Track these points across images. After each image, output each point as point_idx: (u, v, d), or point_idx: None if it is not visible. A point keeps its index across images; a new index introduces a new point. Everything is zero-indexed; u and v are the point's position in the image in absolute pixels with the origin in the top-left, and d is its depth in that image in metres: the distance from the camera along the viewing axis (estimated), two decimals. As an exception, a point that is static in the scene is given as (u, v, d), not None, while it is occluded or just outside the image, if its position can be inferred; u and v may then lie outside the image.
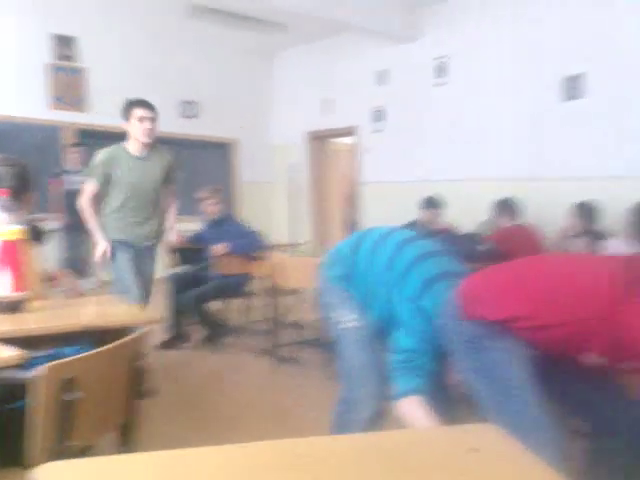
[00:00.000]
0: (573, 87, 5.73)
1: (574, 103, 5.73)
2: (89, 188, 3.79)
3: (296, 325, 4.81)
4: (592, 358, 1.71)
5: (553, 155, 5.87)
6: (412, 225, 5.34)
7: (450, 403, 2.17)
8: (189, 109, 8.53)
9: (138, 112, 3.77)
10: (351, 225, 8.00)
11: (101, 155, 3.80)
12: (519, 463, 1.19)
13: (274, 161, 9.38)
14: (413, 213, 5.55)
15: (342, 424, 2.31)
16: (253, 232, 5.02)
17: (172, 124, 8.25)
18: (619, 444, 1.81)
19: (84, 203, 3.81)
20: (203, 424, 3.29)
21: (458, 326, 1.86)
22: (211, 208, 5.08)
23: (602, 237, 4.43)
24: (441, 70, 6.92)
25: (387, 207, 7.22)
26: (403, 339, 2.03)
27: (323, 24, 7.07)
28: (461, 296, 1.88)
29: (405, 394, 1.94)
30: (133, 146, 3.83)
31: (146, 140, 3.80)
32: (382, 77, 7.62)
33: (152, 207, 3.94)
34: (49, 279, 2.60)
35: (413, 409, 1.92)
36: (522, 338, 1.77)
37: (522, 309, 1.76)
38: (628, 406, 1.86)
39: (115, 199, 3.83)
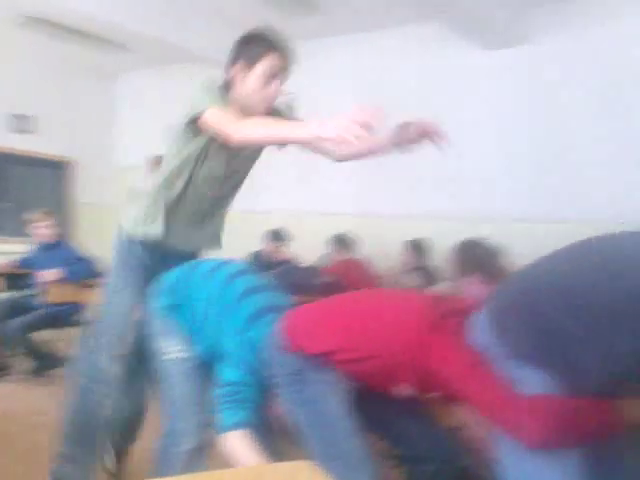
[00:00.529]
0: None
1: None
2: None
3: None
4: (403, 389, 1.80)
5: (391, 193, 6.16)
6: (255, 255, 5.38)
7: (275, 436, 2.18)
8: (22, 123, 7.96)
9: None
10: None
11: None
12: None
13: (117, 184, 9.01)
14: (255, 245, 5.58)
15: (165, 457, 2.25)
16: (87, 258, 4.78)
17: (2, 139, 7.71)
18: (432, 470, 1.91)
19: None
20: (25, 462, 3.04)
21: (282, 358, 1.89)
22: (42, 231, 4.79)
23: (433, 274, 4.72)
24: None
25: (233, 237, 7.14)
26: (229, 371, 2.02)
27: (169, 50, 6.93)
28: (285, 329, 1.92)
29: (230, 428, 1.92)
30: None
31: None
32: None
33: None
34: None
35: (237, 443, 1.90)
36: (341, 370, 1.84)
37: (336, 342, 1.83)
38: (438, 434, 1.98)
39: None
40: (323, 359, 1.83)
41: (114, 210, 8.79)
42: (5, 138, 7.71)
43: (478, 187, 5.58)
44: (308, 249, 5.74)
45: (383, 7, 5.69)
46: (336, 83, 6.64)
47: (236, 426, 1.91)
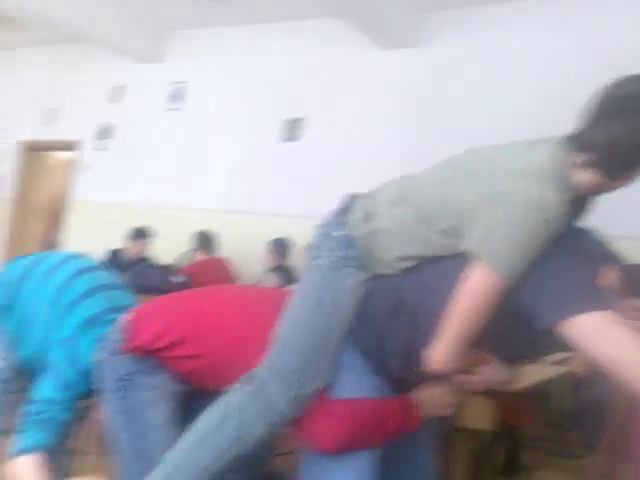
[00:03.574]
0: (291, 129, 6.02)
1: (291, 145, 6.02)
2: None
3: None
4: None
5: (261, 191, 6.11)
6: (114, 253, 5.18)
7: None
8: None
9: None
10: (51, 246, 7.49)
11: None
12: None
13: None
14: (123, 236, 5.37)
15: None
16: None
17: None
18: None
19: None
20: None
21: (113, 362, 1.80)
22: None
23: (292, 274, 4.74)
24: (178, 95, 6.86)
25: (98, 229, 6.90)
26: (43, 387, 1.88)
27: (59, 28, 6.56)
28: (125, 326, 1.83)
29: (24, 451, 1.79)
30: None
31: None
32: (115, 94, 7.32)
33: None
34: None
35: (27, 468, 1.77)
36: (174, 370, 1.78)
37: (183, 334, 1.76)
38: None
39: None
40: (157, 358, 1.77)
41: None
42: None
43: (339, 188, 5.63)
44: (173, 247, 5.61)
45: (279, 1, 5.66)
46: (224, 74, 6.55)
47: (31, 449, 1.79)
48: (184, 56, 6.89)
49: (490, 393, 2.16)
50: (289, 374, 1.58)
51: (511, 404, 2.70)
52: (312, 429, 1.61)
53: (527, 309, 1.43)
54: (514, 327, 1.48)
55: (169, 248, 5.55)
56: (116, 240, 5.47)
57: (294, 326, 1.63)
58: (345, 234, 1.64)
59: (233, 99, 6.46)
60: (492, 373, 1.59)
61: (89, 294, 2.01)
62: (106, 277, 2.18)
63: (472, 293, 1.44)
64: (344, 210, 1.70)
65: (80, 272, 2.10)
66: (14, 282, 2.10)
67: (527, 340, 1.51)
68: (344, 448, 1.57)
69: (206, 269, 4.66)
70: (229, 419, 1.61)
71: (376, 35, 5.50)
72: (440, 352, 1.48)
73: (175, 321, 1.81)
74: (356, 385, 1.63)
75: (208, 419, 1.64)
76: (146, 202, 6.79)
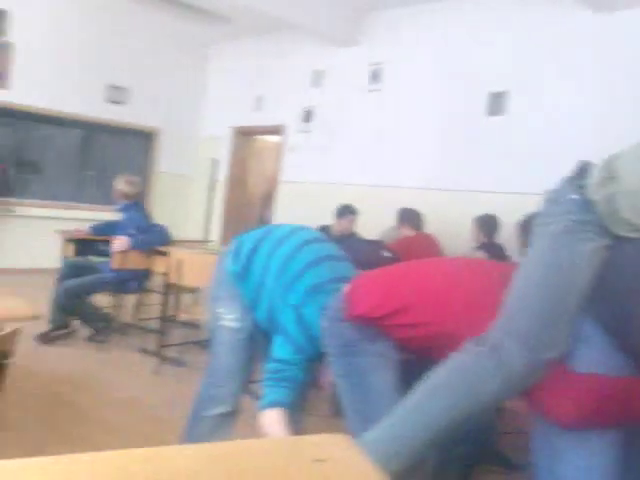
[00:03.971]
0: (495, 103, 5.85)
1: (494, 119, 5.85)
2: None
3: (190, 325, 4.72)
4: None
5: (467, 168, 6.00)
6: (323, 229, 5.39)
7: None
8: (116, 94, 8.30)
9: None
10: (265, 223, 7.98)
11: None
12: (363, 475, 1.20)
13: (197, 154, 9.26)
14: (328, 215, 5.59)
15: (195, 420, 2.32)
16: (159, 226, 4.90)
17: (96, 108, 8.04)
18: (461, 452, 1.88)
19: None
20: (73, 428, 3.16)
21: (337, 329, 1.88)
22: (119, 197, 4.93)
23: (500, 250, 4.60)
24: (376, 76, 6.95)
25: (304, 207, 7.26)
26: (279, 348, 2.02)
27: (264, 19, 7.02)
28: (345, 296, 1.90)
29: (268, 406, 1.94)
30: None
31: None
32: (317, 78, 7.61)
33: None
34: None
35: (272, 422, 1.92)
36: (397, 338, 1.82)
37: (408, 303, 1.79)
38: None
39: None
40: (380, 326, 1.81)
41: (189, 179, 9.13)
42: (100, 108, 8.03)
43: (546, 162, 5.35)
44: (375, 223, 5.72)
45: None
46: (426, 49, 6.50)
47: (274, 405, 1.93)
48: (382, 37, 6.94)
49: None
50: (523, 337, 1.54)
51: None
52: (552, 401, 1.55)
53: None
54: None
55: (373, 225, 5.67)
56: (322, 218, 5.69)
57: (528, 291, 1.59)
58: (580, 198, 1.56)
59: (433, 75, 6.39)
60: None
61: (314, 263, 2.11)
62: (329, 248, 2.27)
63: None
64: (578, 175, 1.62)
65: (306, 243, 2.20)
66: (247, 252, 2.26)
67: None
68: (584, 424, 1.51)
69: (414, 245, 4.68)
70: (461, 375, 1.60)
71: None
72: None
73: (397, 290, 1.85)
74: (597, 361, 1.53)
75: (439, 375, 1.64)
76: (349, 180, 7.00)
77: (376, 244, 4.27)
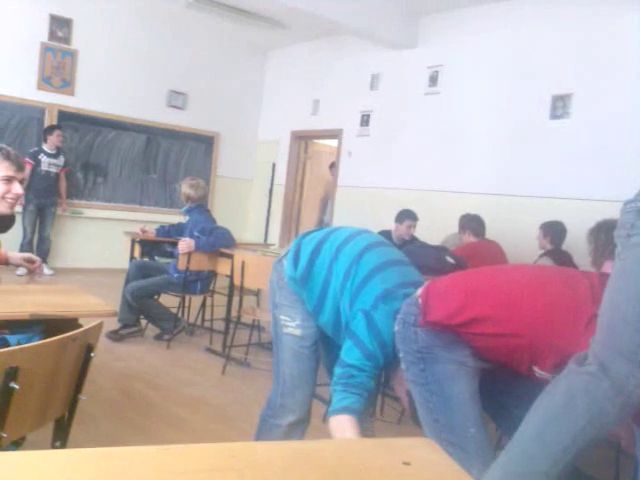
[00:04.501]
0: (558, 107, 5.75)
1: (558, 123, 5.75)
2: None
3: (253, 326, 4.78)
4: (536, 372, 1.71)
5: (530, 173, 5.90)
6: (384, 234, 5.37)
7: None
8: (176, 99, 8.50)
9: None
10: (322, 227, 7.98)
11: None
12: (450, 478, 1.20)
13: (256, 158, 9.38)
14: (386, 219, 5.58)
15: (265, 427, 2.31)
16: (223, 229, 4.97)
17: (158, 113, 8.24)
18: None
19: None
20: (145, 423, 3.25)
21: (411, 334, 1.85)
22: (184, 199, 5.02)
23: (568, 258, 4.50)
24: (434, 79, 6.92)
25: (361, 212, 7.26)
26: (348, 353, 1.96)
27: (321, 24, 7.08)
28: (421, 301, 1.85)
29: (338, 412, 1.89)
30: None
31: None
32: (374, 81, 7.62)
33: None
34: (4, 263, 2.57)
35: (342, 429, 1.86)
36: (474, 346, 1.78)
37: (481, 311, 1.75)
38: None
39: None
40: (457, 333, 1.78)
41: (248, 183, 9.25)
42: (161, 113, 8.24)
43: (613, 167, 5.21)
44: (434, 229, 5.68)
45: None
46: (484, 51, 6.45)
47: (344, 411, 1.88)
48: (440, 39, 6.90)
49: None
50: (632, 354, 1.47)
51: None
52: None
53: None
54: None
55: (433, 230, 5.63)
56: (381, 223, 5.68)
57: (630, 305, 1.50)
58: None
59: (493, 78, 6.32)
60: None
61: (381, 267, 2.06)
62: (394, 252, 2.21)
63: None
64: None
65: (370, 246, 2.14)
66: (308, 255, 2.20)
67: None
68: None
69: (478, 251, 4.63)
70: (576, 400, 1.52)
71: None
72: None
73: (475, 298, 1.79)
74: None
75: (550, 402, 1.56)
76: (408, 185, 6.97)
77: (441, 250, 4.23)
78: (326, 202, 8.58)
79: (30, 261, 2.57)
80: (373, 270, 2.05)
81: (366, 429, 2.14)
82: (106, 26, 7.74)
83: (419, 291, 1.90)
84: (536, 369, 1.71)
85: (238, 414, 3.47)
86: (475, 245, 4.83)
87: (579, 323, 1.61)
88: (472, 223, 4.97)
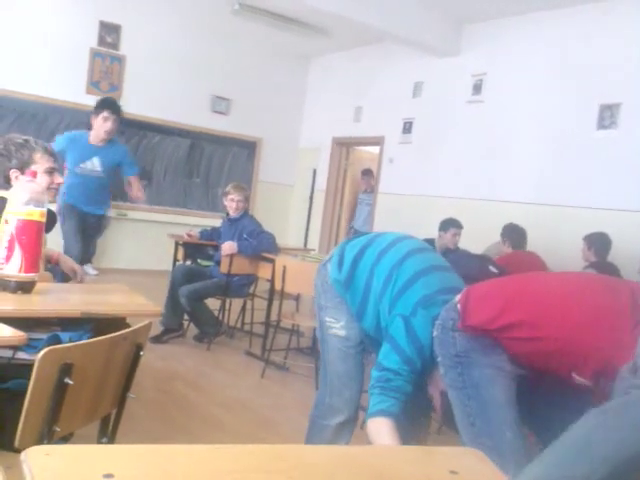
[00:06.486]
0: (606, 117, 5.66)
1: (605, 133, 5.67)
2: None
3: (292, 331, 4.81)
4: (576, 379, 1.70)
5: (575, 183, 5.82)
6: (428, 242, 5.34)
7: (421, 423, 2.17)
8: (220, 105, 8.61)
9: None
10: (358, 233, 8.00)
11: None
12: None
13: (297, 164, 9.43)
14: (428, 227, 5.55)
15: (315, 428, 2.34)
16: (267, 233, 5.01)
17: (202, 118, 8.35)
18: None
19: None
20: (186, 423, 3.29)
21: (449, 338, 1.86)
22: (230, 204, 5.05)
23: (613, 270, 4.41)
24: (477, 88, 6.89)
25: (402, 220, 7.23)
26: (386, 357, 2.00)
27: (364, 31, 7.11)
28: (460, 305, 1.87)
29: (376, 414, 1.91)
30: None
31: None
32: (417, 89, 7.62)
33: None
34: (48, 261, 2.64)
35: (380, 431, 1.89)
36: (511, 351, 1.78)
37: (525, 316, 1.75)
38: None
39: None
40: (495, 338, 1.78)
41: (290, 188, 9.30)
42: (205, 118, 8.35)
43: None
44: (480, 239, 5.63)
45: None
46: (528, 61, 6.40)
47: (382, 414, 1.90)
48: (484, 47, 6.86)
49: None
50: None
51: None
52: None
53: None
54: None
55: (476, 239, 5.58)
56: (423, 231, 5.64)
57: None
58: None
59: (537, 86, 6.26)
60: None
61: (423, 273, 2.08)
62: (436, 258, 2.25)
63: None
64: None
65: (412, 251, 2.18)
66: (352, 259, 2.24)
67: None
68: None
69: (519, 261, 4.57)
70: (625, 415, 1.41)
71: None
72: None
73: (514, 302, 1.80)
74: None
75: (612, 409, 1.45)
76: (451, 194, 6.91)
77: (484, 259, 4.19)
78: (358, 207, 8.62)
79: (74, 271, 2.65)
80: (414, 276, 2.08)
81: (420, 441, 2.14)
82: (153, 32, 7.88)
83: (458, 296, 1.92)
84: (575, 375, 1.70)
85: (277, 417, 3.49)
86: (514, 255, 4.78)
87: (620, 329, 1.58)
88: (512, 234, 4.93)
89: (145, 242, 7.90)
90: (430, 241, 5.19)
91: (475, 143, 6.80)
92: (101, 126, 5.97)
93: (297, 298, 5.30)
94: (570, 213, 5.71)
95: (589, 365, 1.65)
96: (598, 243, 4.68)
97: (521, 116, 6.38)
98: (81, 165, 5.99)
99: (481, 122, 6.76)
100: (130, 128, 7.84)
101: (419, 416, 2.25)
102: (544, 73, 6.22)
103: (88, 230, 6.20)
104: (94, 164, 6.04)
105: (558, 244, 5.40)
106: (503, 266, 4.23)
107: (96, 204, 6.18)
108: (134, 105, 7.74)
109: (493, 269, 3.98)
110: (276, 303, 4.63)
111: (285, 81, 9.18)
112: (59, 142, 5.84)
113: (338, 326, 2.25)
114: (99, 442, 1.84)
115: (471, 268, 3.88)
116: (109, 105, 6.03)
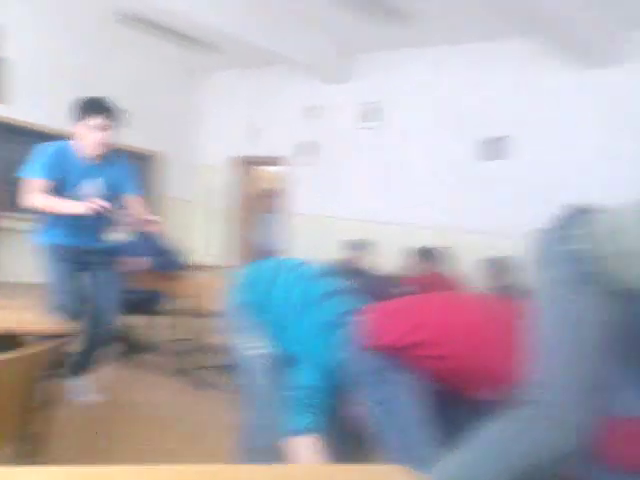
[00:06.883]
0: (491, 149, 6.04)
1: (493, 163, 6.05)
2: None
3: (219, 348, 4.72)
4: (484, 393, 1.75)
5: (473, 208, 6.11)
6: (335, 263, 5.39)
7: (345, 441, 2.18)
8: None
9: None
10: (260, 253, 8.01)
11: None
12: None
13: (195, 180, 9.26)
14: (327, 248, 5.63)
15: (244, 452, 2.29)
16: (175, 250, 4.87)
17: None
18: None
19: None
20: (110, 443, 3.14)
21: (362, 357, 1.89)
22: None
23: (514, 292, 4.60)
24: (368, 114, 7.11)
25: (304, 239, 7.28)
26: (304, 374, 2.02)
27: (255, 51, 7.08)
28: (371, 324, 1.91)
29: (296, 432, 1.92)
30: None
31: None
32: (312, 112, 7.73)
33: None
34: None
35: (301, 449, 1.89)
36: (420, 369, 1.81)
37: (430, 335, 1.80)
38: None
39: None
40: (405, 356, 1.82)
41: (189, 205, 9.11)
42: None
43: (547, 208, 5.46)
44: (385, 259, 5.72)
45: (477, 21, 5.67)
46: (417, 94, 6.69)
47: (302, 431, 1.91)
48: (372, 77, 7.11)
49: None
50: (566, 390, 1.51)
51: None
52: (618, 451, 1.53)
53: None
54: None
55: (384, 260, 5.67)
56: (323, 251, 5.67)
57: (548, 338, 1.56)
58: (584, 248, 1.53)
59: (427, 118, 6.59)
60: None
61: (333, 294, 2.15)
62: (345, 282, 2.30)
63: None
64: (579, 221, 1.58)
65: (321, 275, 2.25)
66: (265, 283, 2.27)
67: None
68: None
69: (431, 282, 4.69)
70: (519, 435, 1.55)
71: (577, 55, 5.48)
72: None
73: (420, 321, 1.86)
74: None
75: (493, 432, 1.57)
76: (353, 215, 7.03)
77: (392, 280, 4.28)
78: (259, 226, 8.64)
79: None
80: (325, 296, 2.14)
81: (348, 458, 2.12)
82: (38, 36, 7.42)
83: (367, 315, 1.96)
84: (478, 393, 1.77)
85: (203, 435, 3.40)
86: (428, 276, 4.90)
87: (514, 347, 1.63)
88: (425, 255, 5.06)
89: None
90: (338, 262, 5.23)
91: (372, 168, 7.01)
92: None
93: (218, 315, 5.19)
94: (467, 238, 5.94)
95: (488, 381, 1.71)
96: (496, 267, 4.88)
97: (414, 144, 6.68)
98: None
99: (376, 148, 7.01)
100: (17, 136, 7.36)
101: (347, 434, 2.23)
102: (434, 106, 6.54)
103: None
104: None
105: (459, 266, 5.57)
106: (414, 287, 4.36)
107: None
108: (22, 111, 7.30)
109: (401, 289, 4.08)
110: (198, 321, 4.57)
111: (182, 96, 8.99)
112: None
113: (256, 345, 2.24)
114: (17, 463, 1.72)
115: (380, 289, 3.94)
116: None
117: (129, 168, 3.92)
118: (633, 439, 1.52)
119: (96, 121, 3.57)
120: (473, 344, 1.76)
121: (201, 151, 9.20)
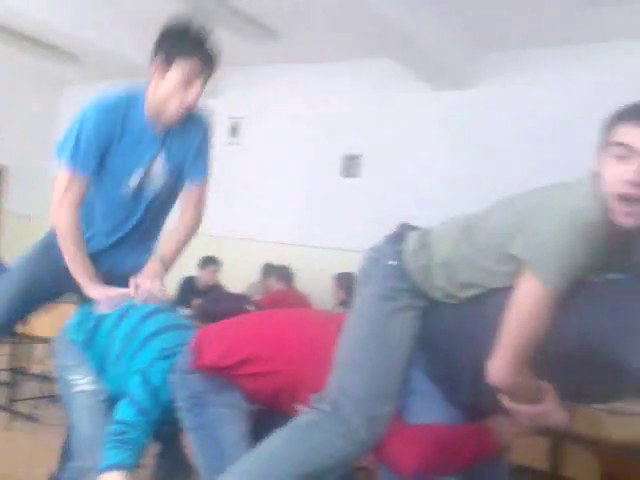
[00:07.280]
0: (349, 166, 6.29)
1: (349, 180, 6.27)
2: None
3: (44, 378, 4.47)
4: (297, 407, 1.82)
5: (326, 225, 6.28)
6: (188, 280, 5.36)
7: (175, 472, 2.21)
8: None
9: None
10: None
11: None
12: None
13: (47, 194, 8.78)
14: (185, 264, 5.55)
15: None
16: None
17: None
18: None
19: None
20: None
21: (184, 381, 1.92)
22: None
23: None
24: (234, 130, 7.15)
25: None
26: (122, 410, 2.00)
27: (120, 64, 6.81)
28: (192, 347, 1.94)
29: (110, 469, 1.89)
30: None
31: None
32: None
33: None
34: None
35: None
36: (243, 389, 1.87)
37: (255, 352, 1.86)
38: None
39: None
40: (226, 377, 1.86)
41: (38, 220, 8.61)
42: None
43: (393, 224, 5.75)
44: (239, 277, 5.78)
45: (339, 40, 5.84)
46: (285, 110, 6.79)
47: (114, 468, 1.89)
48: (241, 92, 7.15)
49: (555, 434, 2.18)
50: (356, 396, 1.64)
51: (619, 460, 2.61)
52: (391, 452, 1.67)
53: (611, 350, 1.42)
54: (584, 365, 1.46)
55: (236, 278, 5.72)
56: (178, 267, 5.64)
57: (353, 351, 1.70)
58: (397, 265, 1.69)
59: (288, 134, 6.73)
60: (550, 408, 1.57)
61: (161, 332, 2.15)
62: (175, 318, 2.33)
63: (521, 302, 1.47)
64: (398, 239, 1.75)
65: (150, 314, 2.23)
66: (93, 322, 2.27)
67: (600, 381, 1.50)
68: (422, 473, 1.63)
69: (281, 299, 4.79)
70: (307, 436, 1.67)
71: (429, 76, 5.73)
72: (498, 364, 1.49)
73: (241, 341, 1.92)
74: (431, 411, 1.69)
75: (284, 434, 1.69)
76: (212, 232, 6.98)
77: (241, 298, 4.32)
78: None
79: None
80: (152, 334, 2.13)
81: None
82: None
83: (195, 338, 1.99)
84: (296, 405, 1.82)
85: (24, 474, 3.21)
86: (278, 293, 4.99)
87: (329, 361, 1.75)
88: (275, 271, 5.14)
89: None
90: (190, 279, 5.23)
91: (235, 184, 7.01)
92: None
93: (49, 342, 4.94)
94: (322, 254, 6.10)
95: (307, 394, 1.78)
96: (346, 282, 5.05)
97: (276, 160, 6.77)
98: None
99: (240, 164, 7.02)
100: None
101: (178, 464, 2.25)
102: (295, 121, 6.67)
103: None
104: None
105: (313, 283, 5.75)
106: (267, 304, 4.41)
107: None
108: None
109: (250, 308, 4.14)
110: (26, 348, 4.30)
111: (36, 106, 8.53)
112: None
113: (85, 381, 2.20)
114: None
115: (228, 307, 3.98)
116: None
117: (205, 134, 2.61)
118: (410, 442, 1.65)
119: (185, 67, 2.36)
120: (304, 359, 1.80)
121: (53, 164, 8.74)
